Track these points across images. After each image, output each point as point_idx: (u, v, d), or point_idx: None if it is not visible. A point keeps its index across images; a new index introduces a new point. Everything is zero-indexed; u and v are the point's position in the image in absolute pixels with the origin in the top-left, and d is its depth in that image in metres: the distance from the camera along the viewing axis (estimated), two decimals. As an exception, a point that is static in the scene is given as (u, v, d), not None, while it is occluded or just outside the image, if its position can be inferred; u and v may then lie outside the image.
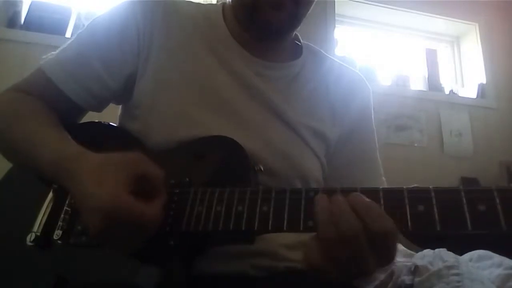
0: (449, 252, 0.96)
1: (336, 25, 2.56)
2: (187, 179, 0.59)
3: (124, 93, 0.74)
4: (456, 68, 2.92)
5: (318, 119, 0.76)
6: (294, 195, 0.48)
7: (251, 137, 0.68)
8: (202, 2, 0.86)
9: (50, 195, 0.64)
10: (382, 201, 0.44)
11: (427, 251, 1.00)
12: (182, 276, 0.55)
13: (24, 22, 2.04)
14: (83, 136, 0.68)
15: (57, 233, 0.60)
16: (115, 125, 0.77)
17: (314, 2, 0.73)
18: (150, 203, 0.50)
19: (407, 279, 0.91)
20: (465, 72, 2.87)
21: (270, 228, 0.48)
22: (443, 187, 0.43)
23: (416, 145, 2.45)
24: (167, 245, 0.54)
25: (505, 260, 1.01)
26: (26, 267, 0.60)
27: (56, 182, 0.61)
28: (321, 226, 0.43)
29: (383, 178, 0.81)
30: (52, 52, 0.74)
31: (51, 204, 0.64)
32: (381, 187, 0.45)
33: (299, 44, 0.84)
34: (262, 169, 0.62)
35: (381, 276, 0.98)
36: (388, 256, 0.44)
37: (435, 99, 2.60)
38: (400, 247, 1.22)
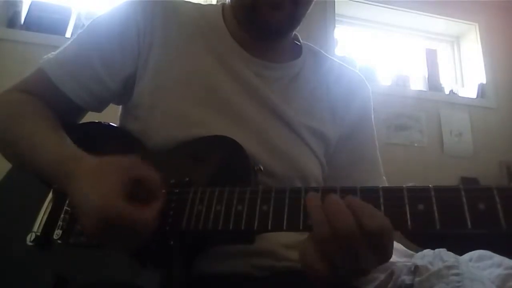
0: (449, 252, 0.97)
1: (336, 25, 2.56)
2: (187, 178, 0.59)
3: (124, 94, 0.74)
4: (456, 68, 2.92)
5: (318, 119, 0.76)
6: (293, 195, 0.48)
7: (251, 137, 0.68)
8: (202, 3, 0.86)
9: (50, 195, 0.64)
10: (382, 200, 0.44)
11: (427, 251, 1.01)
12: (182, 276, 0.55)
13: (24, 22, 2.04)
14: (83, 137, 0.69)
15: (57, 233, 0.60)
16: (115, 125, 0.77)
17: (313, 2, 0.73)
18: (145, 208, 0.50)
19: (407, 279, 0.92)
20: (465, 72, 2.87)
21: (269, 227, 0.48)
22: (443, 186, 0.43)
23: (416, 145, 2.45)
24: (167, 244, 0.54)
25: (505, 260, 1.01)
26: (26, 267, 0.61)
27: (55, 184, 0.61)
28: (316, 225, 0.43)
29: (384, 177, 0.81)
30: (52, 52, 0.74)
31: (51, 204, 0.64)
32: (381, 186, 0.45)
33: (299, 44, 0.84)
34: (262, 169, 0.62)
35: (381, 276, 0.98)
36: (384, 254, 0.44)
37: (435, 99, 2.60)
38: (400, 247, 1.22)
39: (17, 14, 2.02)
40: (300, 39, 0.85)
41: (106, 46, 0.71)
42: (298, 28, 0.78)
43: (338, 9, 2.60)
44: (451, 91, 2.73)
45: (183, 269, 0.55)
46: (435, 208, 0.42)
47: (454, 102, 2.62)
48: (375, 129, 0.84)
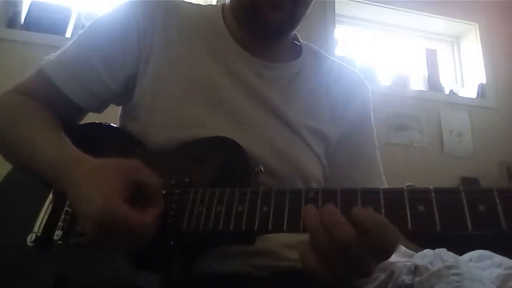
0: (449, 252, 0.97)
1: (336, 25, 2.56)
2: (187, 179, 0.59)
3: (124, 94, 0.74)
4: (456, 68, 2.92)
5: (318, 119, 0.76)
6: (294, 196, 0.48)
7: (251, 137, 0.68)
8: (202, 3, 0.86)
9: (51, 195, 0.64)
10: (382, 202, 0.44)
11: (427, 251, 1.01)
12: (182, 276, 0.55)
13: (24, 22, 2.04)
14: (84, 137, 0.69)
15: (58, 234, 0.60)
16: (115, 126, 0.77)
17: (313, 2, 0.73)
18: (144, 212, 0.50)
19: (407, 279, 0.92)
20: (465, 72, 2.87)
21: (270, 228, 0.48)
22: (443, 188, 0.43)
23: (416, 145, 2.45)
24: (167, 245, 0.54)
25: (505, 260, 1.01)
26: (27, 268, 0.61)
27: (55, 186, 0.62)
28: (313, 235, 0.43)
29: (383, 177, 0.81)
30: (53, 54, 0.74)
31: (52, 204, 0.64)
32: (381, 187, 0.45)
33: (299, 44, 0.84)
34: (263, 169, 0.62)
35: (381, 276, 0.98)
36: (385, 254, 0.44)
37: (435, 99, 2.60)
38: (400, 247, 1.22)
39: (17, 14, 2.02)
40: (300, 39, 0.85)
41: (107, 47, 0.71)
42: (298, 28, 0.78)
43: (338, 9, 2.60)
44: (451, 91, 2.73)
45: (183, 270, 0.55)
46: (435, 209, 0.42)
47: (454, 102, 2.63)
48: (375, 129, 0.84)
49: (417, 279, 0.89)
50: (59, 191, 0.60)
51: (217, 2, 2.26)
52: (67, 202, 0.62)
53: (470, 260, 1.06)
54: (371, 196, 0.45)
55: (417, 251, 1.09)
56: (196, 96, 0.71)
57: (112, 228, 0.48)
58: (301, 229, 0.46)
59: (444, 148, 2.47)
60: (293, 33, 0.80)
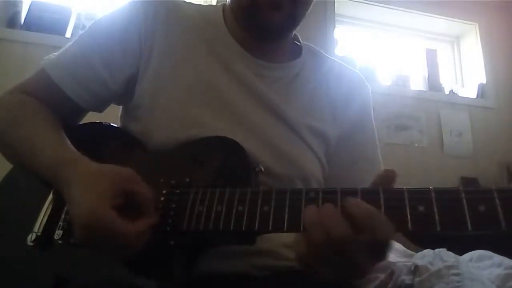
0: (449, 252, 0.96)
1: (336, 25, 2.56)
2: (187, 179, 0.59)
3: (125, 94, 0.74)
4: (456, 68, 2.92)
5: (318, 119, 0.76)
6: (294, 196, 0.48)
7: (251, 137, 0.68)
8: (203, 3, 0.86)
9: (51, 195, 0.64)
10: (382, 202, 0.44)
11: (427, 251, 1.00)
12: (183, 276, 0.55)
13: (24, 22, 2.04)
14: (84, 137, 0.69)
15: (58, 233, 0.60)
16: (116, 125, 0.77)
17: (313, 2, 0.73)
18: (133, 222, 0.51)
19: (407, 279, 0.91)
20: (465, 72, 2.87)
21: (270, 228, 0.48)
22: (443, 188, 0.43)
23: (416, 145, 2.45)
24: (167, 245, 0.54)
25: (505, 260, 1.01)
26: (27, 267, 0.61)
27: (53, 187, 0.62)
28: (309, 229, 0.43)
29: None
30: (54, 53, 0.74)
31: (52, 204, 0.64)
32: (381, 187, 0.45)
33: (299, 44, 0.84)
34: (263, 169, 0.62)
35: (381, 276, 0.98)
36: (382, 254, 0.44)
37: (435, 99, 2.60)
38: (400, 247, 1.22)
39: (17, 14, 2.02)
40: (300, 39, 0.85)
41: (108, 47, 0.72)
42: (298, 28, 0.78)
43: (338, 9, 2.60)
44: (451, 91, 2.73)
45: (183, 269, 0.55)
46: (435, 209, 0.42)
47: (454, 102, 2.62)
48: (375, 129, 0.84)
49: (417, 279, 0.89)
50: (58, 191, 0.60)
51: (217, 2, 2.26)
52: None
53: (470, 260, 1.06)
54: (371, 196, 0.45)
55: (417, 251, 1.09)
56: (196, 96, 0.71)
57: (97, 233, 0.49)
58: (301, 229, 0.46)
59: (444, 148, 2.47)
60: (293, 33, 0.80)
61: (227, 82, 0.72)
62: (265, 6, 0.67)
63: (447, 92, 2.71)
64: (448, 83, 2.81)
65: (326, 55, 0.86)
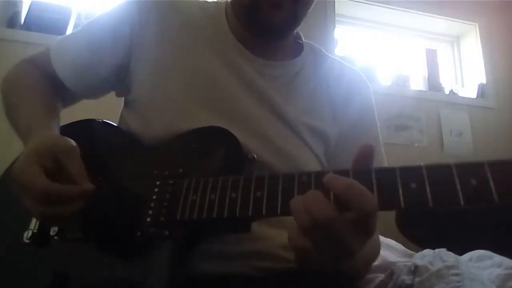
0: (449, 252, 0.96)
1: (336, 25, 2.56)
2: (181, 170, 0.59)
3: (117, 83, 0.78)
4: (456, 68, 2.92)
5: (318, 118, 0.76)
6: (287, 180, 0.49)
7: (250, 134, 0.68)
8: (208, 0, 0.86)
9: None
10: (374, 181, 0.44)
11: (427, 251, 1.00)
12: (179, 268, 0.55)
13: (24, 22, 2.04)
14: (79, 134, 0.70)
15: (54, 229, 0.60)
16: (110, 122, 0.78)
17: (314, 2, 0.73)
18: (54, 183, 0.54)
19: (407, 279, 0.91)
20: (465, 72, 2.86)
21: (264, 213, 0.48)
22: (435, 164, 0.43)
23: (416, 145, 2.45)
24: (162, 235, 0.54)
25: (505, 260, 1.01)
26: (24, 265, 0.61)
27: None
28: (295, 215, 0.44)
29: None
30: (63, 36, 0.84)
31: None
32: (373, 168, 0.45)
33: (301, 42, 0.84)
34: (256, 157, 0.62)
35: (381, 276, 0.98)
36: (369, 232, 0.45)
37: (435, 99, 2.60)
38: (400, 247, 1.22)
39: (17, 14, 2.02)
40: (302, 37, 0.84)
41: (100, 36, 0.76)
42: (298, 27, 0.78)
43: (338, 9, 2.60)
44: (451, 91, 2.73)
45: (179, 260, 0.55)
46: (427, 186, 0.42)
47: (454, 102, 2.62)
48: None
49: (417, 279, 0.89)
50: None
51: None
52: None
53: (470, 260, 1.06)
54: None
55: (417, 251, 1.09)
56: (194, 92, 0.71)
57: (20, 182, 0.55)
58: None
59: (444, 148, 2.47)
60: (295, 32, 0.80)
61: (226, 78, 0.73)
62: (265, 5, 0.68)
63: (447, 92, 2.71)
64: (448, 83, 2.81)
65: (327, 53, 0.86)
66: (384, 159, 0.81)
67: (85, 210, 0.56)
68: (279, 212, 0.48)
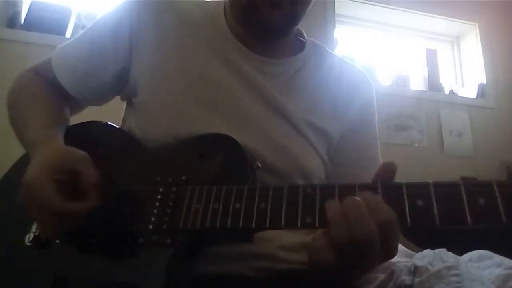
0: (449, 252, 0.96)
1: (336, 25, 2.56)
2: (184, 177, 0.59)
3: (118, 87, 0.78)
4: (456, 68, 2.92)
5: (320, 116, 0.76)
6: (292, 192, 0.48)
7: (251, 134, 0.68)
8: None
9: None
10: (380, 196, 0.44)
11: (427, 251, 1.00)
12: (181, 275, 0.55)
13: (24, 22, 2.04)
14: (81, 136, 0.71)
15: None
16: (113, 124, 0.77)
17: (313, 1, 0.73)
18: (68, 200, 0.54)
19: (407, 279, 0.91)
20: (465, 72, 2.86)
21: (267, 225, 0.48)
22: (443, 182, 0.42)
23: (416, 145, 2.44)
24: (164, 243, 0.54)
25: (505, 260, 1.01)
26: (25, 268, 0.60)
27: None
28: (334, 228, 0.43)
29: None
30: (64, 44, 0.81)
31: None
32: (379, 182, 0.45)
33: (303, 39, 0.83)
34: (260, 166, 0.62)
35: (381, 276, 0.98)
36: (393, 249, 0.45)
37: (435, 99, 2.60)
38: (400, 247, 1.22)
39: (17, 14, 2.02)
40: (305, 35, 0.84)
41: (101, 42, 0.75)
42: (297, 26, 0.77)
43: (338, 9, 2.60)
44: (451, 91, 2.73)
45: (181, 268, 0.55)
46: (434, 204, 0.41)
47: (454, 102, 2.62)
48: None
49: (417, 279, 0.89)
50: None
51: None
52: None
53: (470, 260, 1.05)
54: (369, 191, 0.45)
55: (417, 251, 1.09)
56: (195, 92, 0.71)
57: (31, 195, 0.55)
58: (299, 225, 0.46)
59: (444, 148, 2.47)
60: (295, 30, 0.79)
61: (227, 78, 0.72)
62: (264, 5, 0.67)
63: (447, 92, 2.71)
64: (448, 83, 2.81)
65: (330, 51, 0.85)
66: (380, 162, 0.81)
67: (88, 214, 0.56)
68: (282, 225, 0.47)
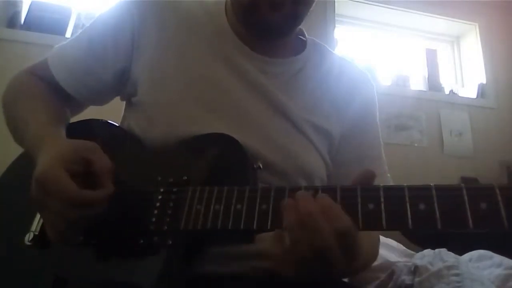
0: (449, 252, 0.96)
1: (336, 25, 2.55)
2: (185, 177, 0.58)
3: (119, 87, 0.77)
4: (456, 68, 2.91)
5: (321, 115, 0.75)
6: (293, 194, 0.48)
7: (252, 134, 0.68)
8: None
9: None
10: (382, 199, 0.44)
11: (427, 251, 1.00)
12: (181, 276, 0.55)
13: (24, 22, 2.04)
14: (81, 134, 0.70)
15: None
16: (113, 123, 0.77)
17: (315, 2, 0.72)
18: (85, 189, 0.53)
19: (407, 279, 0.92)
20: (465, 72, 2.86)
21: (269, 226, 0.48)
22: (445, 185, 0.42)
23: (416, 145, 2.44)
24: (165, 244, 0.53)
25: (505, 260, 1.01)
26: (25, 267, 0.60)
27: (32, 159, 0.64)
28: (289, 229, 0.45)
29: (388, 175, 0.79)
30: (63, 43, 0.79)
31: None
32: (382, 185, 0.45)
33: (304, 39, 0.83)
34: (261, 166, 0.62)
35: (381, 276, 0.98)
36: (355, 255, 0.45)
37: (435, 99, 2.60)
38: (400, 247, 1.22)
39: (17, 14, 2.02)
40: (306, 34, 0.83)
41: (101, 41, 0.74)
42: (299, 26, 0.77)
43: (338, 9, 2.60)
44: (451, 91, 2.73)
45: (182, 269, 0.55)
46: (436, 207, 0.41)
47: (454, 102, 2.62)
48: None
49: (417, 279, 0.89)
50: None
51: None
52: None
53: (470, 260, 1.06)
54: (371, 193, 0.44)
55: (417, 251, 1.09)
56: (195, 92, 0.70)
57: (46, 189, 0.52)
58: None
59: (444, 148, 2.47)
60: (295, 31, 0.79)
61: (227, 77, 0.72)
62: (264, 6, 0.67)
63: (447, 92, 2.71)
64: (448, 83, 2.80)
65: (331, 50, 0.85)
66: (384, 160, 0.81)
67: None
68: (283, 226, 0.47)
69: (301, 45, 0.81)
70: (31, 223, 0.62)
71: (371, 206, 0.44)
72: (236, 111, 0.70)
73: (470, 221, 0.39)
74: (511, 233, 0.38)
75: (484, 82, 2.70)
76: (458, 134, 2.52)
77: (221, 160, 0.61)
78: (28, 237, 0.61)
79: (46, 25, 2.01)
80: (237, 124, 0.68)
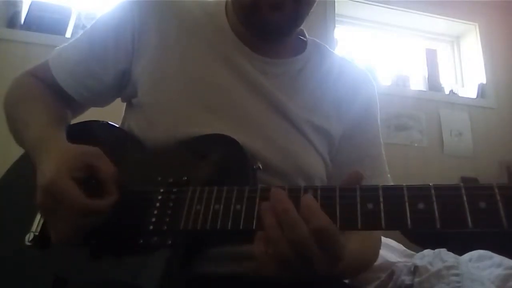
0: (449, 252, 0.96)
1: (336, 25, 2.56)
2: (185, 178, 0.58)
3: (120, 89, 0.77)
4: (456, 68, 2.92)
5: (322, 115, 0.75)
6: (292, 193, 0.48)
7: (252, 134, 0.68)
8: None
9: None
10: (381, 199, 0.44)
11: (427, 251, 1.01)
12: (181, 276, 0.55)
13: (24, 22, 2.04)
14: (82, 135, 0.70)
15: None
16: (114, 124, 0.77)
17: (316, 2, 0.72)
18: (90, 198, 0.54)
19: (407, 279, 0.92)
20: (465, 72, 2.86)
21: None
22: (443, 185, 0.42)
23: (416, 145, 2.44)
24: (165, 244, 0.54)
25: (505, 260, 1.01)
26: (25, 267, 0.61)
27: (32, 160, 0.65)
28: (267, 229, 0.45)
29: (388, 175, 0.79)
30: (64, 44, 0.79)
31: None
32: (381, 185, 0.45)
33: (304, 39, 0.83)
34: (261, 167, 0.62)
35: (382, 276, 0.98)
36: (336, 255, 0.45)
37: (435, 99, 2.60)
38: (400, 247, 1.22)
39: (17, 14, 2.02)
40: (306, 34, 0.83)
41: (102, 43, 0.74)
42: (300, 27, 0.77)
43: (338, 9, 2.60)
44: (451, 91, 2.73)
45: (181, 269, 0.55)
46: (435, 207, 0.41)
47: (454, 102, 2.62)
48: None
49: (417, 279, 0.89)
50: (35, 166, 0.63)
51: None
52: None
53: (470, 260, 1.06)
54: (370, 193, 0.44)
55: (417, 251, 1.09)
56: (195, 93, 0.70)
57: (52, 197, 0.53)
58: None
59: (444, 148, 2.47)
60: (296, 31, 0.79)
61: (227, 78, 0.72)
62: (265, 6, 0.67)
63: (447, 92, 2.71)
64: (448, 83, 2.81)
65: (332, 51, 0.85)
66: (384, 160, 0.81)
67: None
68: None
69: (302, 46, 0.81)
70: (31, 223, 0.62)
71: (370, 206, 0.44)
72: (236, 111, 0.70)
73: (469, 221, 0.39)
74: (510, 232, 0.38)
75: (484, 82, 2.70)
76: (458, 134, 2.52)
77: (221, 160, 0.61)
78: (28, 237, 0.61)
79: (46, 25, 2.01)
80: (237, 125, 0.68)
